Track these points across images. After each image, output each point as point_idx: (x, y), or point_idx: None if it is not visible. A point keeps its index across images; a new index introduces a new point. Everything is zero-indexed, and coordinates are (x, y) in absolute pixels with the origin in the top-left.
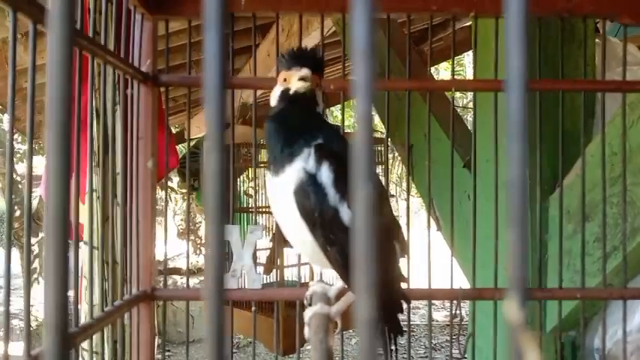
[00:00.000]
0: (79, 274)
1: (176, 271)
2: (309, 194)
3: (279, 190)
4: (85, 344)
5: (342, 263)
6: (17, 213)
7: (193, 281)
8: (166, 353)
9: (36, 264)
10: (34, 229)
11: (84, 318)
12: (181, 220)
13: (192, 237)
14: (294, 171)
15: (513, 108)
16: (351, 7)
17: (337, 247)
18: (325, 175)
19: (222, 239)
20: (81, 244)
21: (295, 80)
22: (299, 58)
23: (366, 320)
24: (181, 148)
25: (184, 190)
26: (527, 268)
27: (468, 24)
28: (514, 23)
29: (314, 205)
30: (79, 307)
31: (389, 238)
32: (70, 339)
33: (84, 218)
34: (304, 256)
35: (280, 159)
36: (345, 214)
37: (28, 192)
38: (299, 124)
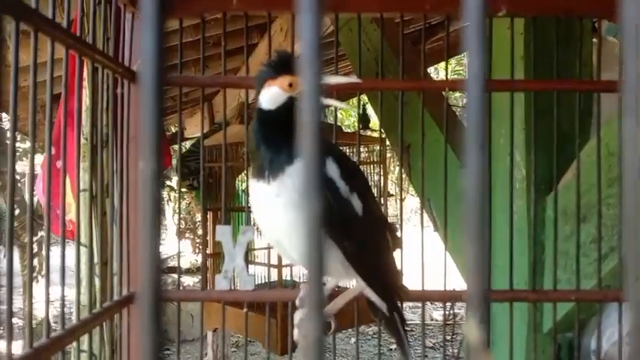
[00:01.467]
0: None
1: (175, 269)
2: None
3: (277, 195)
4: (75, 344)
5: (359, 256)
6: (17, 212)
7: (193, 280)
8: (166, 352)
9: (35, 262)
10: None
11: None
12: (181, 219)
13: (191, 236)
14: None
15: (472, 117)
16: (298, 11)
17: (354, 239)
18: (332, 169)
19: (158, 242)
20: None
21: None
22: None
23: (317, 339)
24: (186, 147)
25: (184, 189)
26: (486, 286)
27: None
28: (472, 24)
29: (331, 200)
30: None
31: (382, 230)
32: None
33: (74, 216)
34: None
35: (277, 162)
36: (356, 204)
37: (30, 190)
38: (293, 129)
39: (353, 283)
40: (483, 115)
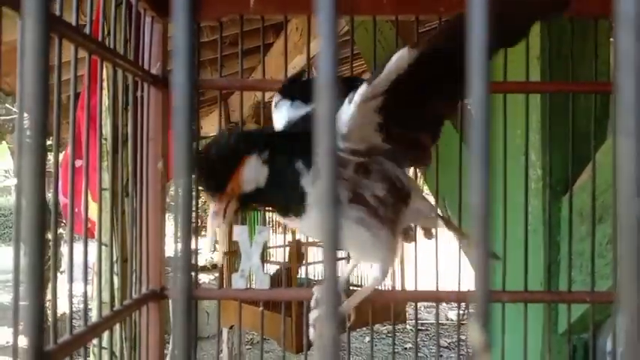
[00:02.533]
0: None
1: (192, 267)
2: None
3: (308, 224)
4: (95, 341)
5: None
6: None
7: (208, 277)
8: None
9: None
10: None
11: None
12: (197, 217)
13: (205, 234)
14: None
15: (476, 128)
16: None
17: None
18: None
19: (190, 245)
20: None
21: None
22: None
23: (333, 337)
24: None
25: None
26: (490, 291)
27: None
28: (476, 24)
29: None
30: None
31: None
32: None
33: (95, 215)
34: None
35: (295, 208)
36: None
37: (54, 188)
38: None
39: (371, 271)
40: (488, 126)
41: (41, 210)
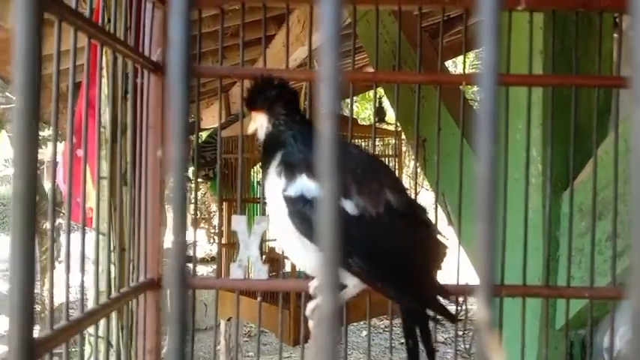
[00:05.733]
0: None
1: (190, 259)
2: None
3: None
4: (92, 330)
5: (372, 273)
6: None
7: (207, 270)
8: None
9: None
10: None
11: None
12: (195, 210)
13: (206, 226)
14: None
15: (485, 105)
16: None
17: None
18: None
19: (184, 232)
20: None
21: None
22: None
23: (329, 315)
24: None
25: (200, 180)
26: (493, 267)
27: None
28: (487, 17)
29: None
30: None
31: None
32: (35, 346)
33: (93, 203)
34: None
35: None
36: (351, 208)
37: (52, 177)
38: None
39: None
40: (496, 105)
41: (32, 195)
